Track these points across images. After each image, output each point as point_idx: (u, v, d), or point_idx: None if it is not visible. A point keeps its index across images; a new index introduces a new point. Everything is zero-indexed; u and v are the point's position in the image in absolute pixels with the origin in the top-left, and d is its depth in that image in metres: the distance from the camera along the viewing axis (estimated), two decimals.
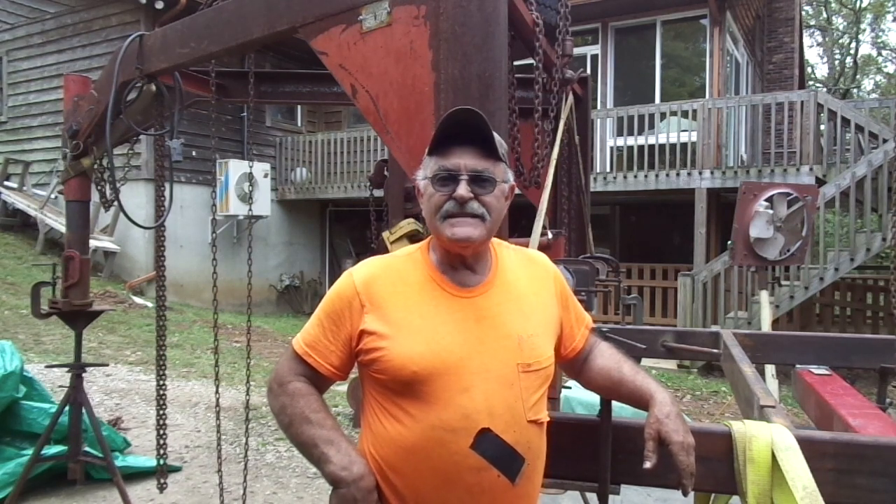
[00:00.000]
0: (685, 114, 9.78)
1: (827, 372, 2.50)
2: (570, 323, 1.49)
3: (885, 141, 8.18)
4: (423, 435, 1.26)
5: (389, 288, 1.35)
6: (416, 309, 1.32)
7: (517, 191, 1.50)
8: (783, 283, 7.90)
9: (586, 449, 1.51)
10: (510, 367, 1.31)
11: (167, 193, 3.18)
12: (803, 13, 17.92)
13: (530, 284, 1.43)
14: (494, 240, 1.44)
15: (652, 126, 9.71)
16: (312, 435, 1.31)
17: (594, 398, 2.62)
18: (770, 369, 4.47)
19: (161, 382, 3.25)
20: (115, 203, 3.14)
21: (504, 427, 1.27)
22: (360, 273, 1.38)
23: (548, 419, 1.39)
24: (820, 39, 26.61)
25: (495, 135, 1.35)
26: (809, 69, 23.53)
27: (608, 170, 10.24)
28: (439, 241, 1.36)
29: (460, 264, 1.37)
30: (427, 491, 1.28)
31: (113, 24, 11.04)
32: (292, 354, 1.39)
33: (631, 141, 9.84)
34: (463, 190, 1.30)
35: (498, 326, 1.33)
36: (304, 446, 1.33)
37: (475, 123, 1.32)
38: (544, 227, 2.55)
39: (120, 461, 3.93)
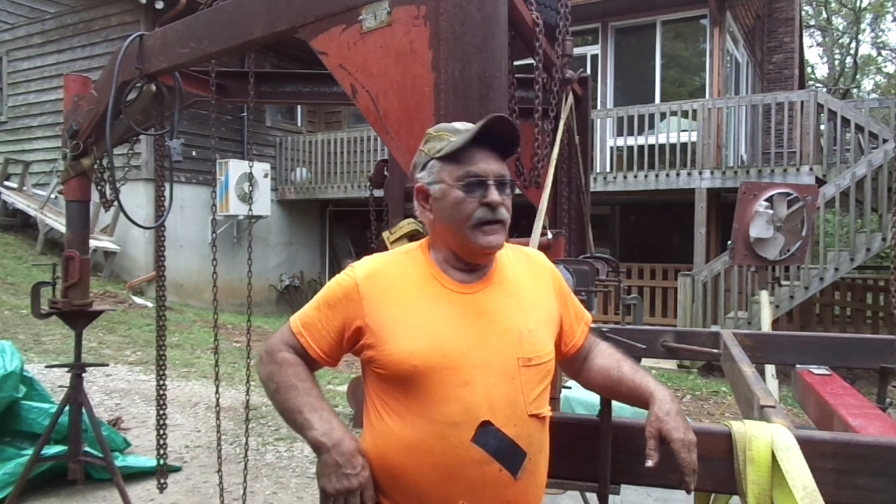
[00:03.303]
0: (685, 114, 9.78)
1: (827, 372, 2.51)
2: (569, 319, 1.49)
3: (885, 141, 8.17)
4: (425, 429, 1.27)
5: (390, 284, 1.35)
6: (416, 305, 1.33)
7: (517, 191, 1.50)
8: (783, 283, 7.90)
9: (586, 449, 1.51)
10: (511, 362, 1.32)
11: (167, 193, 3.18)
12: (803, 13, 17.92)
13: (529, 281, 1.43)
14: None
15: (652, 126, 9.70)
16: (298, 402, 1.33)
17: (594, 398, 2.62)
18: (770, 369, 4.47)
19: (161, 382, 3.25)
20: (115, 203, 3.14)
21: (505, 421, 1.28)
22: (362, 268, 1.39)
23: (550, 413, 1.39)
24: (820, 39, 26.61)
25: None
26: (809, 69, 23.53)
27: (608, 170, 10.23)
28: (463, 248, 1.35)
29: (465, 265, 1.37)
30: (429, 486, 1.28)
31: (113, 24, 11.04)
32: (287, 329, 1.41)
33: (631, 141, 9.84)
34: (496, 195, 1.31)
35: (498, 321, 1.34)
36: (289, 413, 1.35)
37: (504, 133, 1.33)
38: (544, 227, 2.54)
39: (120, 461, 3.93)
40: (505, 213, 1.33)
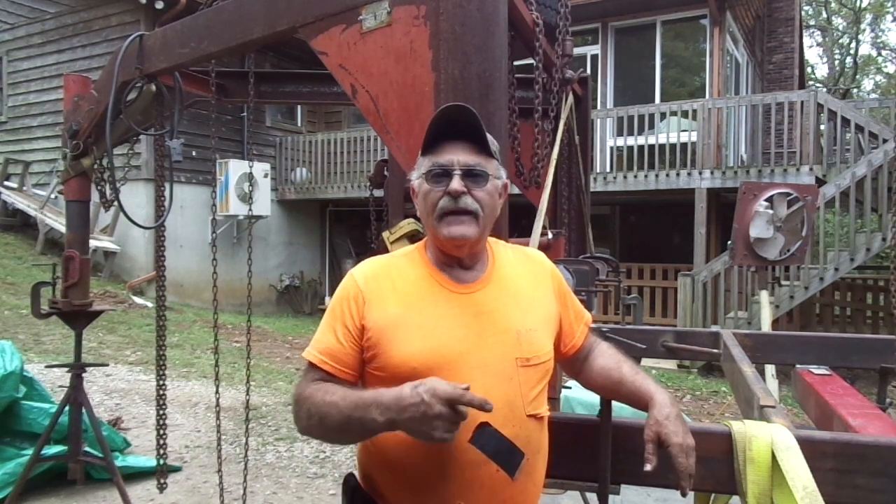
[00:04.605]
0: (685, 114, 9.78)
1: (827, 372, 2.50)
2: (569, 319, 1.49)
3: (885, 141, 8.18)
4: None
5: (388, 286, 1.36)
6: (415, 306, 1.33)
7: (517, 191, 1.50)
8: (783, 283, 7.90)
9: (586, 449, 1.51)
10: (509, 362, 1.31)
11: (167, 193, 3.18)
12: (803, 13, 17.92)
13: (528, 281, 1.43)
14: (491, 239, 1.45)
15: (652, 126, 9.71)
16: (342, 410, 1.22)
17: (594, 398, 2.62)
18: (770, 369, 4.46)
19: (161, 382, 3.25)
20: (115, 203, 3.13)
21: (503, 421, 1.28)
22: (361, 271, 1.39)
23: (548, 413, 1.39)
24: (820, 39, 26.61)
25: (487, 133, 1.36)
26: (809, 69, 23.53)
27: (608, 170, 10.24)
28: (435, 241, 1.38)
29: (456, 263, 1.38)
30: (426, 486, 1.28)
31: (113, 24, 11.04)
32: (307, 367, 1.36)
33: (631, 141, 9.84)
34: (456, 184, 1.31)
35: (496, 321, 1.34)
36: (345, 425, 1.22)
37: (466, 120, 1.33)
38: (544, 227, 2.54)
39: (120, 461, 3.93)
40: (470, 203, 1.31)
